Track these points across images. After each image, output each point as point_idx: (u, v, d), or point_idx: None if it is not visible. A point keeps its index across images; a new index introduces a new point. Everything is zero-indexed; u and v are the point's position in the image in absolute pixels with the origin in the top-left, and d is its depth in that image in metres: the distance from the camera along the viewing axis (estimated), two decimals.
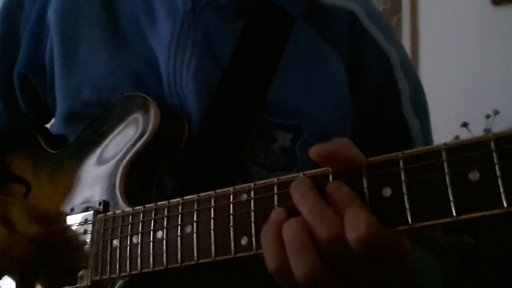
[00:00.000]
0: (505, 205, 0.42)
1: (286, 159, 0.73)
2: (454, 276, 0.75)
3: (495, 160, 0.43)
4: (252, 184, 0.55)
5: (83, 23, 0.82)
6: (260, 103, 0.74)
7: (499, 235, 1.46)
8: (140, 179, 0.72)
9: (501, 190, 0.43)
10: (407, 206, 0.46)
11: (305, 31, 0.78)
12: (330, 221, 0.48)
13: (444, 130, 1.66)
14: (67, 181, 0.77)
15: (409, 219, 0.46)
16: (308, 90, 0.76)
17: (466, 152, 0.45)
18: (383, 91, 0.80)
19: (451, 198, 0.44)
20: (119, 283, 0.65)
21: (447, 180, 0.45)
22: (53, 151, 0.83)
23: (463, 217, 0.44)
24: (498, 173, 0.43)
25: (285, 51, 0.76)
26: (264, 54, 0.76)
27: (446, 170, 0.45)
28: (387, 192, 0.47)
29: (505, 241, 1.47)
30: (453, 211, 0.44)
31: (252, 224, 0.54)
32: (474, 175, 0.44)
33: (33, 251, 0.70)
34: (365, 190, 0.49)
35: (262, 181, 0.55)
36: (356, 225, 0.46)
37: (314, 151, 0.50)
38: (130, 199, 0.69)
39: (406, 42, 2.38)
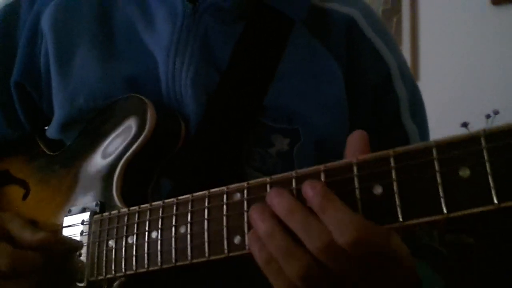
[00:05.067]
0: (495, 201, 0.42)
1: (283, 164, 0.73)
2: (451, 279, 0.75)
3: (486, 157, 0.43)
4: (245, 184, 0.55)
5: (76, 32, 0.82)
6: (257, 106, 0.73)
7: (499, 235, 1.46)
8: (137, 179, 0.72)
9: (491, 186, 0.43)
10: (398, 203, 0.46)
11: (303, 35, 0.78)
12: (318, 231, 0.48)
13: (444, 130, 1.65)
14: (65, 182, 0.77)
15: (400, 217, 0.46)
16: (306, 95, 0.75)
17: (456, 149, 0.45)
18: (380, 93, 0.80)
19: (441, 195, 0.44)
20: (115, 283, 0.65)
21: (438, 177, 0.45)
22: (51, 153, 0.84)
23: (454, 214, 0.44)
24: (488, 170, 0.43)
25: (283, 55, 0.76)
26: (262, 57, 0.76)
27: (436, 167, 0.45)
28: (378, 190, 0.48)
29: (505, 241, 1.46)
30: (444, 208, 0.44)
31: (245, 224, 0.54)
32: (464, 172, 0.44)
33: (41, 261, 0.67)
34: (356, 188, 0.49)
35: (255, 180, 0.55)
36: (344, 229, 0.46)
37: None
38: (127, 200, 0.69)
39: (406, 42, 2.38)
